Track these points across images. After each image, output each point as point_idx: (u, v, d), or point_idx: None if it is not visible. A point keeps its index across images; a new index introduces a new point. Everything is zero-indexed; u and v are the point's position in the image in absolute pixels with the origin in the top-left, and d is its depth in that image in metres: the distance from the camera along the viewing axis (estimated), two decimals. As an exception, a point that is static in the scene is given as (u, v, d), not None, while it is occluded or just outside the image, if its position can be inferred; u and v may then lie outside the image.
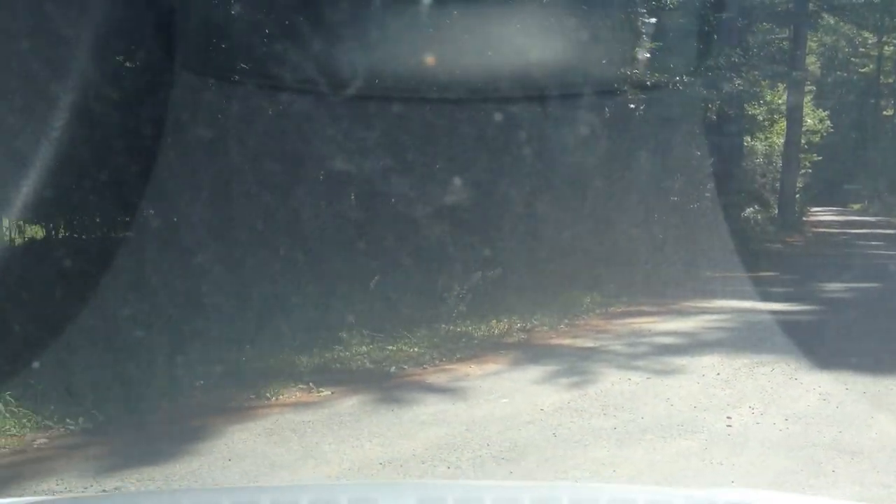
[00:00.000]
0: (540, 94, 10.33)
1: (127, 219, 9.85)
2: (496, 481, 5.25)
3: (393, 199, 10.65)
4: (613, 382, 8.27)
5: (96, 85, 8.66)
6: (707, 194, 12.44)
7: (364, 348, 10.03)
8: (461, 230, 11.81)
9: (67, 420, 7.09)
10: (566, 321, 11.48)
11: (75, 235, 10.44)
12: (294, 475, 5.79)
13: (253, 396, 7.95)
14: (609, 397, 7.72)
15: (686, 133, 11.75)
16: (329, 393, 8.11)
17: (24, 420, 7.03)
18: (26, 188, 8.44)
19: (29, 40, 8.78)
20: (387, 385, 8.41)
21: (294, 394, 8.12)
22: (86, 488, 5.58)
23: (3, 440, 6.75)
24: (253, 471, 5.86)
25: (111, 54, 9.03)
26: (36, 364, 7.53)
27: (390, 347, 10.09)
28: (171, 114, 9.30)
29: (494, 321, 11.34)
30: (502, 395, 7.87)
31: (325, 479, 5.77)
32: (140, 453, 6.25)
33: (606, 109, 11.06)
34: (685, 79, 11.19)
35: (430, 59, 9.49)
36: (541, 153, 11.22)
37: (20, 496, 5.45)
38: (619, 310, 12.23)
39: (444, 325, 11.26)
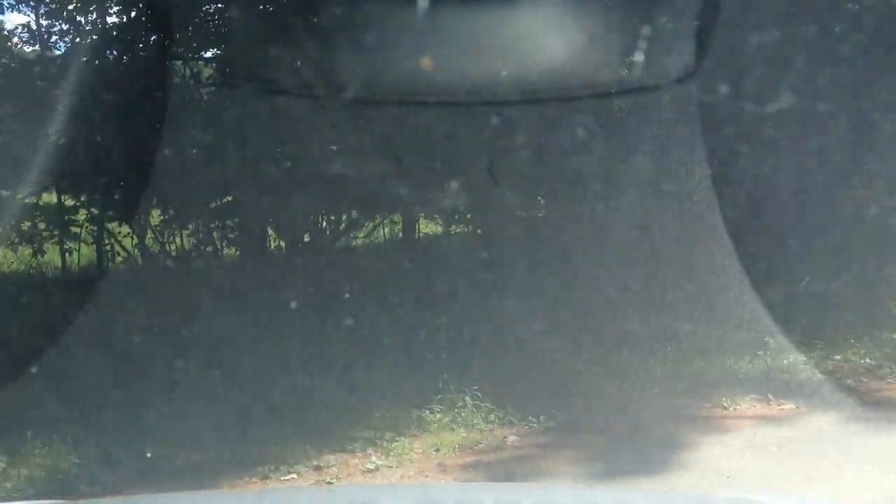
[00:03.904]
0: (536, 98, 9.73)
1: (125, 222, 9.84)
2: (495, 483, 5.11)
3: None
4: None
5: (93, 88, 8.75)
6: (702, 197, 10.41)
7: (801, 357, 9.18)
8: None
9: (530, 417, 7.10)
10: None
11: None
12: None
13: (707, 405, 7.48)
14: None
15: (682, 136, 9.99)
16: (793, 407, 7.43)
17: (491, 416, 7.13)
18: (24, 192, 8.59)
19: (25, 42, 9.04)
20: (856, 400, 7.53)
21: (751, 404, 7.54)
22: (589, 496, 5.42)
23: (474, 434, 6.87)
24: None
25: (107, 58, 9.22)
26: (34, 369, 7.37)
27: (836, 357, 9.16)
28: (167, 118, 9.24)
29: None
30: None
31: None
32: (627, 460, 6.01)
33: (602, 112, 10.29)
34: (681, 80, 9.69)
35: (426, 63, 9.10)
36: (538, 156, 10.48)
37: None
38: None
39: (887, 334, 10.06)
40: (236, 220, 10.20)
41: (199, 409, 6.91)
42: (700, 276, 9.80)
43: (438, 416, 7.14)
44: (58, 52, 10.13)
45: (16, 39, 9.98)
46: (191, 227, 10.07)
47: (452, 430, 6.94)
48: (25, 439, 6.34)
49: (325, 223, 10.58)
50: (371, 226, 11.85)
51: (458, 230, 11.93)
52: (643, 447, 6.35)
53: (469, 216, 11.51)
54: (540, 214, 11.58)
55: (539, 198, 11.66)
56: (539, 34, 9.49)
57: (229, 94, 9.96)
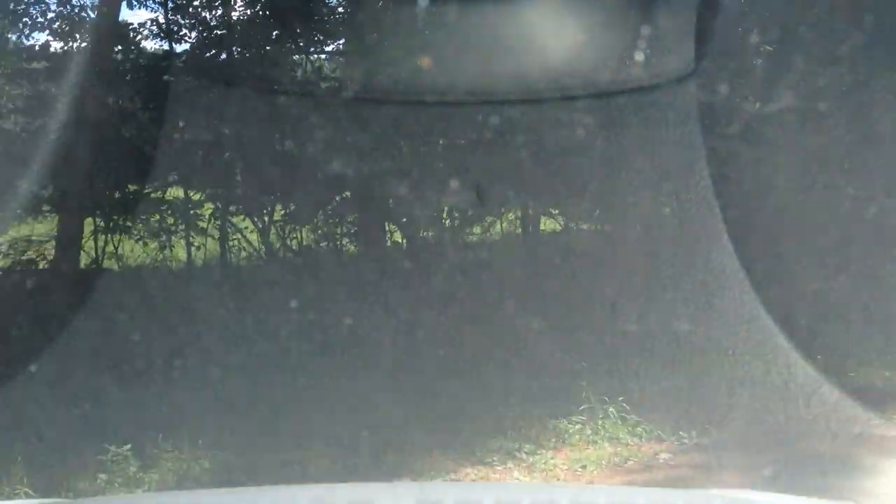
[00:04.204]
0: (536, 98, 9.44)
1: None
2: (494, 483, 4.95)
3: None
4: None
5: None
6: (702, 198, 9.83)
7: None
8: None
9: (681, 432, 6.54)
10: None
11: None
12: None
13: (880, 422, 6.76)
14: None
15: (681, 136, 9.55)
16: (979, 425, 6.65)
17: (637, 429, 6.61)
18: (24, 190, 8.65)
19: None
20: None
21: (925, 424, 6.79)
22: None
23: (620, 449, 6.38)
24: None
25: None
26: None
27: None
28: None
29: None
30: None
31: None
32: (799, 486, 5.39)
33: (602, 112, 9.86)
34: (681, 81, 9.43)
35: (425, 62, 9.09)
36: (537, 155, 9.99)
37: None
38: None
39: None
40: (356, 216, 9.97)
41: (334, 411, 6.63)
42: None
43: (578, 426, 6.67)
44: (184, 48, 10.11)
45: (146, 32, 9.92)
46: (312, 222, 9.89)
47: (595, 443, 6.47)
48: (156, 442, 6.15)
49: (448, 218, 10.26)
50: (488, 222, 11.50)
51: (583, 227, 11.47)
52: (814, 470, 5.71)
53: (597, 213, 11.03)
54: (667, 210, 10.94)
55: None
56: (539, 34, 9.53)
57: (350, 89, 9.81)
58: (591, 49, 9.11)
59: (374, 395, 7.02)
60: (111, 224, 9.26)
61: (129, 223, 9.26)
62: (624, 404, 6.72)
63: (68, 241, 8.58)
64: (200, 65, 9.73)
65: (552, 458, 6.18)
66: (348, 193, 9.81)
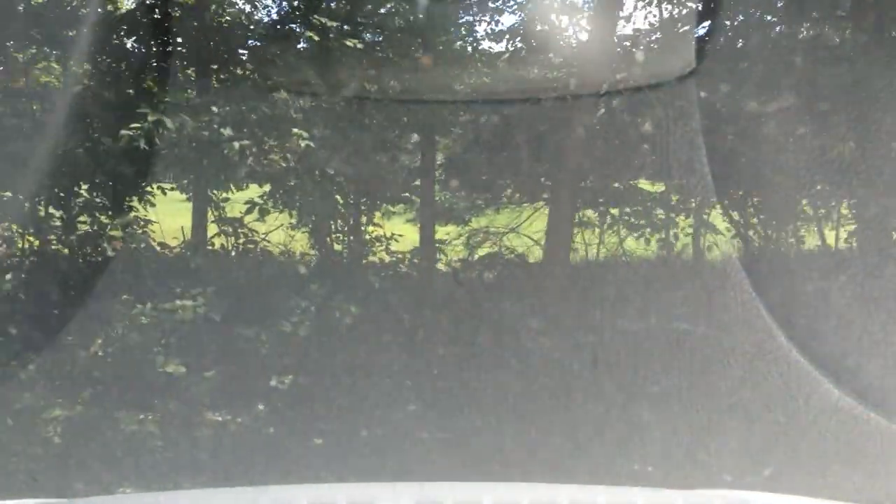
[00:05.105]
0: (537, 97, 9.54)
1: (121, 220, 9.39)
2: (494, 482, 4.90)
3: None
4: None
5: (91, 86, 8.80)
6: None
7: None
8: None
9: None
10: None
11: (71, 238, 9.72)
12: None
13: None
14: None
15: (682, 135, 8.99)
16: None
17: None
18: (23, 192, 8.50)
19: (24, 38, 9.07)
20: None
21: None
22: None
23: None
24: None
25: (105, 55, 9.14)
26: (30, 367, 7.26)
27: None
28: (168, 115, 9.07)
29: None
30: None
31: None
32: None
33: (603, 111, 9.96)
34: (681, 79, 8.86)
35: (425, 60, 9.33)
36: (538, 155, 10.24)
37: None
38: None
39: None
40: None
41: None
42: None
43: None
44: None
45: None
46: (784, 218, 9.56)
47: None
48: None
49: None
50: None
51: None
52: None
53: None
54: None
55: None
56: (539, 33, 9.69)
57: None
58: None
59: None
60: (600, 216, 9.45)
61: (628, 216, 9.37)
62: None
63: (559, 233, 8.72)
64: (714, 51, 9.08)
65: None
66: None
